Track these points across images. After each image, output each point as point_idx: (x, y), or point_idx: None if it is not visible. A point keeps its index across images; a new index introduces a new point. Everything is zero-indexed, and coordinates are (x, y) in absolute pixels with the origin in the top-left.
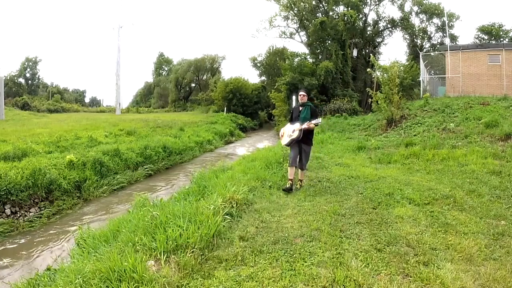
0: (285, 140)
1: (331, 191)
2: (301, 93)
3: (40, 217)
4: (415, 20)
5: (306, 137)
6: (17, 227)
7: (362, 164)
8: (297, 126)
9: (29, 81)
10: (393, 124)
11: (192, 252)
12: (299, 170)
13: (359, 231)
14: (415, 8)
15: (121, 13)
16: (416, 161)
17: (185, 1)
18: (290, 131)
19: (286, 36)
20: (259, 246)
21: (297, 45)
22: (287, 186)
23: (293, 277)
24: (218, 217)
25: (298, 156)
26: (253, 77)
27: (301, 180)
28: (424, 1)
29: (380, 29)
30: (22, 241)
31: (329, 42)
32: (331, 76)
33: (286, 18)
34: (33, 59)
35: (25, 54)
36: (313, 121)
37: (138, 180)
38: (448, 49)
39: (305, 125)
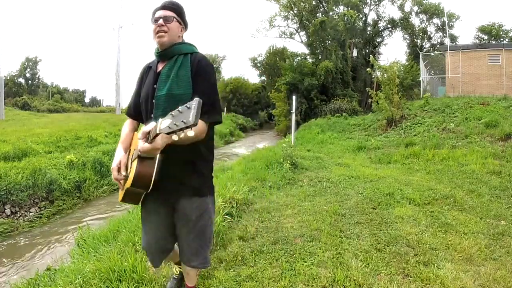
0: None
1: (331, 191)
2: (162, 13)
3: (40, 217)
4: (415, 20)
5: (186, 169)
6: (17, 227)
7: (362, 164)
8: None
9: (29, 81)
10: (393, 124)
11: None
12: (185, 267)
13: (359, 231)
14: (415, 8)
15: (121, 13)
16: (416, 161)
17: (185, 1)
18: (132, 155)
19: (286, 36)
20: (259, 246)
21: (297, 45)
22: None
23: (293, 277)
24: (218, 217)
25: (169, 236)
26: (253, 77)
27: None
28: (424, 1)
29: (380, 29)
30: (22, 241)
31: (329, 42)
32: (331, 76)
33: (286, 18)
34: (33, 59)
35: (25, 54)
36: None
37: None
38: (448, 49)
39: (170, 136)
